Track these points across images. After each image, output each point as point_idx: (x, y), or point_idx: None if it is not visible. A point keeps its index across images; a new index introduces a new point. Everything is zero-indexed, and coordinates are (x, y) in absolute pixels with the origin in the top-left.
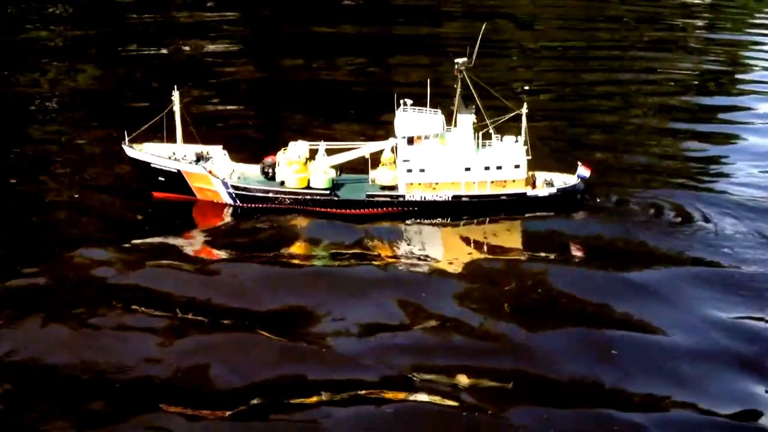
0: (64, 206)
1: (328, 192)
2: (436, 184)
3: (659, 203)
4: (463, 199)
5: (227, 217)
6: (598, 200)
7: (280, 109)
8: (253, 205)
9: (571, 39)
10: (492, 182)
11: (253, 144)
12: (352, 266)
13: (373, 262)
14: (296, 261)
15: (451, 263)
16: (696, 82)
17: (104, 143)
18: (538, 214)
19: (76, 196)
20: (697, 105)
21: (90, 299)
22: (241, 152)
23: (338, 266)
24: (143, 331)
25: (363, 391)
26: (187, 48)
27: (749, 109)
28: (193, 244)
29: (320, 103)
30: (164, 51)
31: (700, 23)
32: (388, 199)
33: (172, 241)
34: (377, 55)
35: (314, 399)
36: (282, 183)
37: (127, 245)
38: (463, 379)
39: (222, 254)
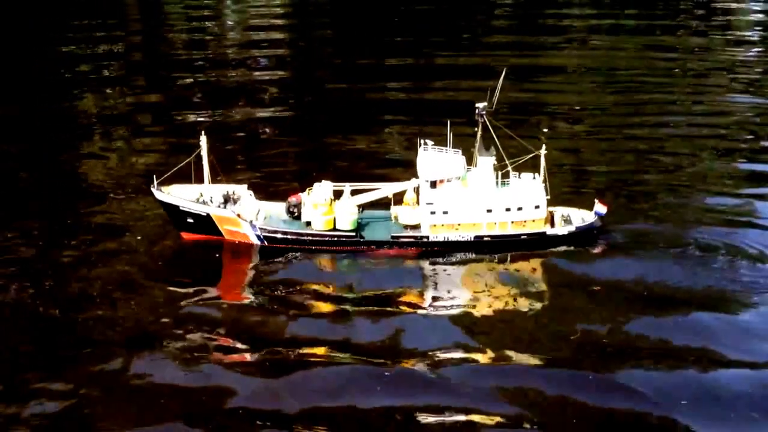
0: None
1: (353, 233)
2: (459, 225)
3: (685, 238)
4: (485, 238)
5: (255, 255)
6: (617, 236)
7: (316, 138)
8: (279, 245)
9: (615, 74)
10: (512, 222)
11: (284, 177)
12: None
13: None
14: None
15: (473, 298)
16: (744, 118)
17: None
18: (556, 250)
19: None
20: (742, 141)
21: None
22: (269, 187)
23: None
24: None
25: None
26: (234, 76)
27: None
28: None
29: (358, 131)
30: (212, 78)
31: (752, 58)
32: (413, 239)
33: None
34: (418, 89)
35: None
36: (308, 223)
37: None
38: None
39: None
